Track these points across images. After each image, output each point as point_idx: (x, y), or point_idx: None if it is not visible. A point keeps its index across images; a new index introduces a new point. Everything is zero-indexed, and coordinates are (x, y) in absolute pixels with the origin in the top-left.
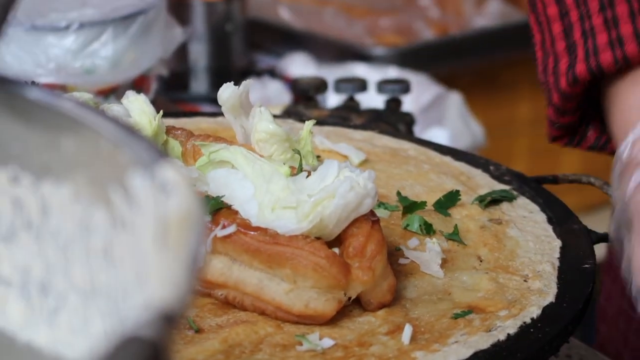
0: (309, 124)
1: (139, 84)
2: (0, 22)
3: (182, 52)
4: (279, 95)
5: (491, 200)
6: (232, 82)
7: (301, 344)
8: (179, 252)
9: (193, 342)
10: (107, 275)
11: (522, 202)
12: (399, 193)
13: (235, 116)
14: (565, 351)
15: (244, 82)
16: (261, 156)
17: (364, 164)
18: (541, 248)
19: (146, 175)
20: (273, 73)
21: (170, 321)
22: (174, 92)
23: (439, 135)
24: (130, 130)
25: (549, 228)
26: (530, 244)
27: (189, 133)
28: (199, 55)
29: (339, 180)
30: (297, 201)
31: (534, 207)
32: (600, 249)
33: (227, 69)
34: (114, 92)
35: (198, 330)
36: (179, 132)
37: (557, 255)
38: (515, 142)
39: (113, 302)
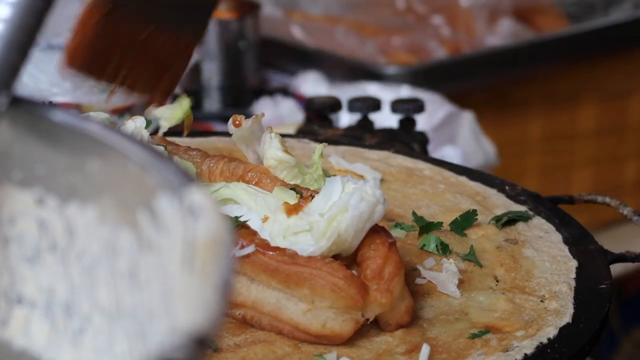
0: (320, 148)
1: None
2: (27, 45)
3: (195, 70)
4: (292, 113)
5: (507, 221)
6: (245, 103)
7: None
8: (209, 276)
9: None
10: (133, 297)
11: (538, 222)
12: (414, 213)
13: (246, 144)
14: None
15: (253, 116)
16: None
17: (379, 183)
18: (557, 268)
19: (174, 199)
20: (286, 91)
21: (202, 344)
22: None
23: (451, 153)
24: (158, 153)
25: (565, 248)
26: (547, 264)
27: (204, 154)
28: (212, 73)
29: (346, 194)
30: (309, 223)
31: (550, 227)
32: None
33: (239, 88)
34: (128, 111)
35: (216, 350)
36: (194, 152)
37: (574, 275)
38: (527, 160)
39: (139, 323)
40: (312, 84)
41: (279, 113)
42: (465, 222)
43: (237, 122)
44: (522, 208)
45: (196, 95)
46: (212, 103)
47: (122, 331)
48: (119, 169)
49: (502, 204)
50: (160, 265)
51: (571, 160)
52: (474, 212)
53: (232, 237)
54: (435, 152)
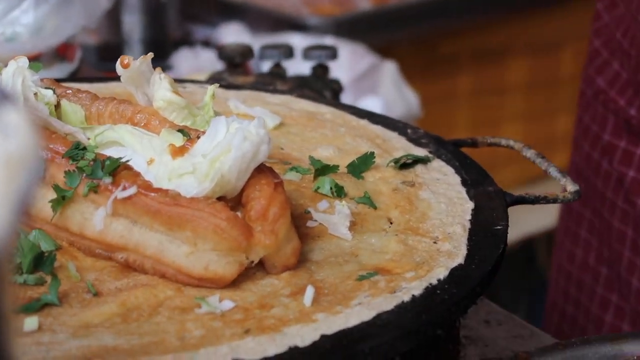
0: (212, 89)
1: (62, 52)
2: None
3: (115, 23)
4: (212, 64)
5: (406, 163)
6: (166, 55)
7: (200, 307)
8: (7, 194)
9: (90, 306)
10: None
11: (437, 164)
12: (311, 157)
13: (136, 85)
14: (484, 316)
15: (142, 57)
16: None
17: (279, 127)
18: (453, 210)
19: None
20: (207, 43)
21: None
22: (107, 63)
23: (372, 104)
24: None
25: (463, 190)
26: (442, 205)
27: (94, 96)
28: (133, 26)
29: (230, 134)
30: (192, 165)
31: (449, 170)
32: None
33: (161, 40)
34: (37, 60)
35: (96, 294)
36: (84, 95)
37: (469, 217)
38: (456, 114)
39: None
40: (234, 36)
41: (199, 64)
42: (362, 164)
43: (125, 63)
44: (423, 151)
45: (117, 47)
46: (134, 56)
47: None
48: None
49: (402, 146)
50: None
51: (501, 115)
52: (372, 154)
53: (39, 157)
54: (356, 102)
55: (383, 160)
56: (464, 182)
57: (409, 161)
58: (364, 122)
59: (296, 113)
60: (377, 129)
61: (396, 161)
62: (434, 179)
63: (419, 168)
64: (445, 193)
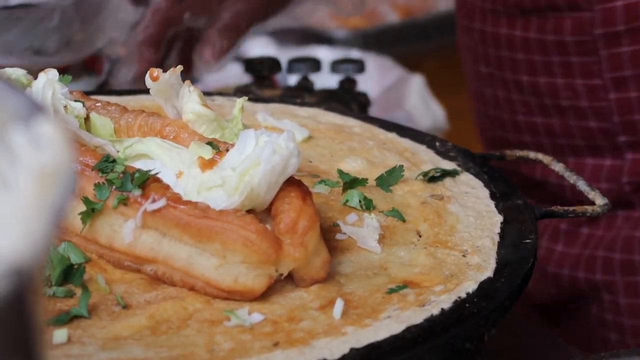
0: (241, 101)
1: (90, 65)
2: None
3: None
4: (239, 77)
5: (434, 176)
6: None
7: (229, 320)
8: (40, 206)
9: (119, 318)
10: None
11: (465, 178)
12: (339, 170)
13: (165, 98)
14: (511, 328)
15: (171, 69)
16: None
17: (307, 140)
18: (482, 223)
19: (25, 130)
20: (234, 57)
21: (22, 276)
22: None
23: (399, 116)
24: (10, 85)
25: (491, 204)
26: (471, 219)
27: (123, 109)
28: None
29: (259, 147)
30: (222, 178)
31: (477, 183)
32: None
33: None
34: (65, 73)
35: (126, 306)
36: (113, 107)
37: (498, 230)
38: None
39: None
40: (261, 49)
41: (225, 78)
42: (391, 177)
43: (154, 76)
44: (451, 164)
45: None
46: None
47: None
48: None
49: (430, 160)
50: (17, 203)
51: None
52: (401, 167)
53: (73, 170)
54: (383, 115)
55: (411, 174)
56: (493, 196)
57: (438, 174)
58: (392, 135)
59: (324, 126)
60: (405, 142)
61: (425, 174)
62: (463, 192)
63: (447, 181)
64: (474, 206)
